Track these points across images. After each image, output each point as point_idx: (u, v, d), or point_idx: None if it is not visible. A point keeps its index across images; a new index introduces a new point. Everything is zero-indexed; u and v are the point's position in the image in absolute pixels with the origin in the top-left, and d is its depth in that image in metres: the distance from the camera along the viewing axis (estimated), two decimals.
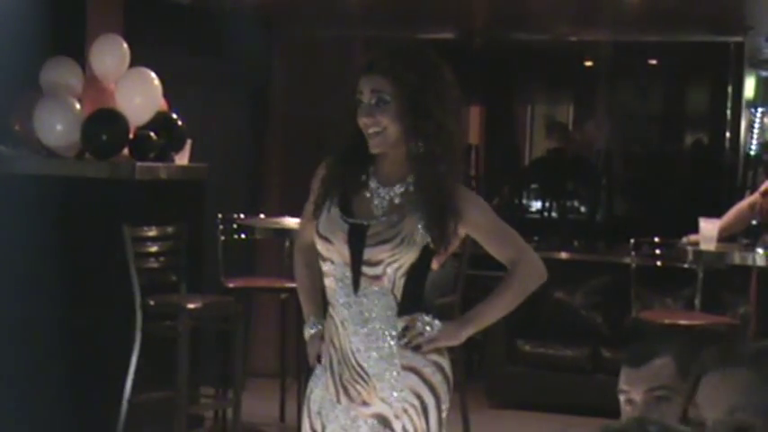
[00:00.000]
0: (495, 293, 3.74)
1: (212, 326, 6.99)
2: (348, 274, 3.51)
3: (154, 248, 6.42)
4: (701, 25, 9.75)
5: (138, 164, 6.62)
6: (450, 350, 6.95)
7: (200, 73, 8.26)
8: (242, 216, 7.45)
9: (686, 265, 7.32)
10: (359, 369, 3.52)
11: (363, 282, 3.50)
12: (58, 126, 6.65)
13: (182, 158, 7.09)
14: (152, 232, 6.41)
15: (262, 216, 7.70)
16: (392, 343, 3.50)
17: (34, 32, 6.37)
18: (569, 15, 9.32)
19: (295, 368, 7.19)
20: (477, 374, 8.17)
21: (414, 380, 3.54)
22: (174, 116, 7.06)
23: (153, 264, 6.40)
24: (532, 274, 3.67)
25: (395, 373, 3.52)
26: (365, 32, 10.19)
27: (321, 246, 3.54)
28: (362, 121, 3.50)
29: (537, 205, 12.62)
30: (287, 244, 7.20)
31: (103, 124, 6.63)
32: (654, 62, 12.17)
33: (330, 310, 3.57)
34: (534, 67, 12.30)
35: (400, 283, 3.50)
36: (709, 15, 9.05)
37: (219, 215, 7.30)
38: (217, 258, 7.15)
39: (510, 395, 8.38)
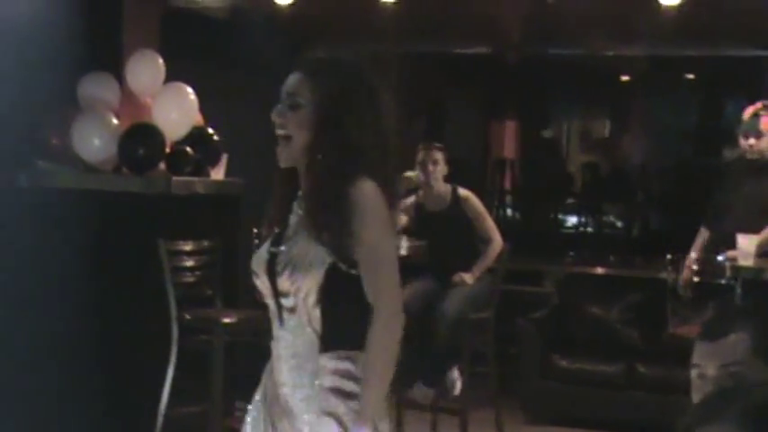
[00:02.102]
0: (366, 367, 3.13)
1: (247, 340, 6.99)
2: (273, 306, 3.22)
3: (189, 263, 6.43)
4: (737, 39, 9.72)
5: (174, 178, 6.65)
6: (484, 363, 6.76)
7: (235, 88, 8.30)
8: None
9: (723, 281, 7.28)
10: (285, 405, 3.21)
11: (285, 315, 3.18)
12: (95, 141, 6.70)
13: (217, 173, 7.12)
14: (188, 246, 6.43)
15: None
16: (314, 383, 3.14)
17: (72, 48, 6.42)
18: (605, 30, 9.30)
19: None
20: (511, 389, 8.15)
21: (332, 428, 3.12)
22: (210, 131, 7.10)
23: (189, 278, 6.42)
24: (386, 332, 3.13)
25: (314, 416, 3.15)
26: (399, 48, 10.21)
27: (254, 281, 3.28)
28: (273, 120, 3.24)
29: (573, 220, 12.60)
30: None
31: (140, 139, 6.67)
32: (690, 76, 12.14)
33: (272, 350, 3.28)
34: (570, 81, 12.29)
35: (315, 314, 3.12)
36: (745, 29, 9.02)
37: (255, 229, 7.30)
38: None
39: (544, 410, 8.34)
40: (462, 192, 7.63)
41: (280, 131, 3.20)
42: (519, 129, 12.73)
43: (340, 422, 3.12)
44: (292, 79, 3.24)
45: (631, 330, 8.57)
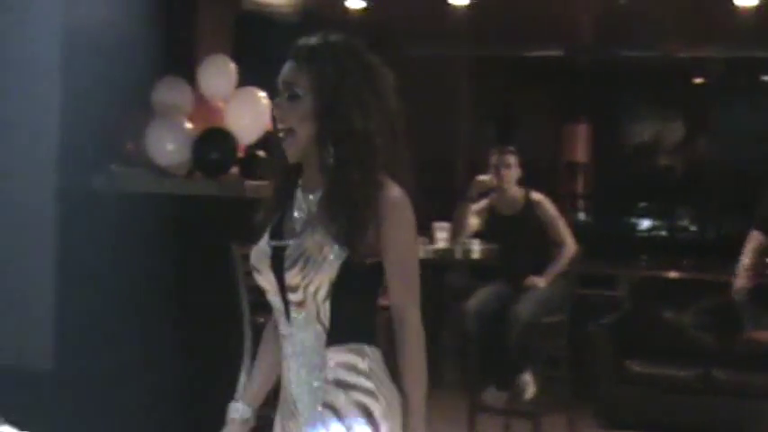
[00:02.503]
0: (403, 378, 3.05)
1: None
2: (280, 303, 3.08)
3: None
4: None
5: (247, 182, 6.68)
6: (557, 367, 6.68)
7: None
8: None
9: None
10: (292, 405, 3.08)
11: (293, 310, 3.05)
12: (168, 145, 6.74)
13: None
14: None
15: None
16: (320, 376, 3.02)
17: (146, 53, 6.47)
18: (679, 31, 9.22)
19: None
20: (584, 394, 8.09)
21: (332, 422, 3.02)
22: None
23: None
24: (420, 345, 3.05)
25: (318, 411, 3.03)
26: (472, 50, 10.20)
27: (255, 277, 3.13)
28: (274, 116, 3.09)
29: (646, 223, 12.50)
30: None
31: (213, 143, 6.70)
32: (766, 78, 11.99)
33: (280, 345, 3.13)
34: (643, 84, 12.19)
35: (325, 308, 3.01)
36: None
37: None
38: None
39: (618, 415, 8.28)
40: (535, 195, 7.60)
41: (281, 126, 3.03)
42: (591, 132, 12.64)
43: (338, 414, 3.01)
44: (287, 69, 3.06)
45: (707, 335, 8.47)
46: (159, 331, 6.47)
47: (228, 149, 6.71)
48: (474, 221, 7.54)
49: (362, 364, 3.03)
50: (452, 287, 8.87)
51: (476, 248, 7.12)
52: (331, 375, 3.01)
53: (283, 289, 3.03)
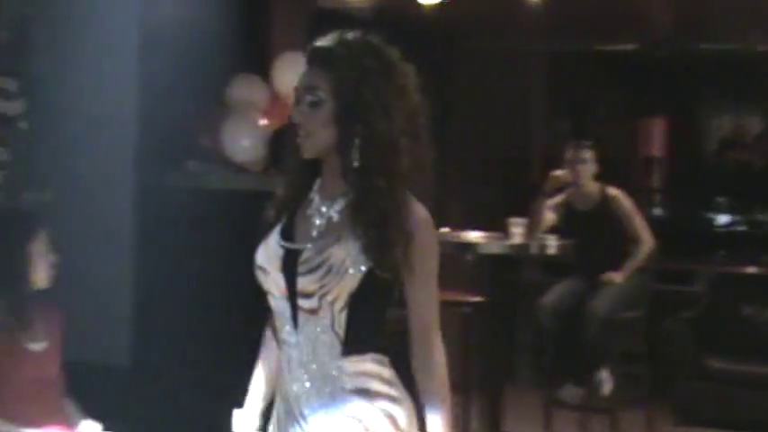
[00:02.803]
0: (427, 397, 2.94)
1: (396, 339, 6.99)
2: (287, 307, 2.96)
3: None
4: None
5: None
6: (635, 363, 6.62)
7: None
8: None
9: None
10: (299, 417, 2.96)
11: (301, 316, 2.94)
12: (244, 141, 6.78)
13: None
14: None
15: (444, 229, 7.71)
16: (335, 385, 2.91)
17: (221, 50, 6.51)
18: (758, 24, 9.10)
19: (479, 383, 7.16)
20: (663, 391, 8.02)
21: (356, 430, 2.92)
22: None
23: None
24: (440, 361, 2.97)
25: (336, 423, 2.92)
26: (546, 45, 10.15)
27: (259, 276, 3.02)
28: (293, 122, 2.97)
29: (724, 219, 12.36)
30: (468, 258, 7.18)
31: (288, 139, 6.72)
32: None
33: (279, 351, 3.04)
34: (721, 77, 12.07)
35: (341, 318, 2.89)
36: None
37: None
38: None
39: (696, 412, 8.20)
40: (611, 190, 7.55)
41: (301, 133, 2.93)
42: (668, 126, 12.53)
43: (363, 423, 2.92)
44: (305, 74, 2.97)
45: None
46: (236, 328, 6.50)
47: None
48: (550, 217, 7.51)
49: (386, 373, 2.95)
50: (528, 283, 8.84)
51: (552, 244, 7.09)
52: (350, 385, 2.91)
53: (293, 294, 2.93)
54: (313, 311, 2.89)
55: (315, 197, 3.01)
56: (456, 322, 7.73)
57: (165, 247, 6.40)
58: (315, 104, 2.92)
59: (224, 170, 6.87)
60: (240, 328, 6.50)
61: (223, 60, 6.60)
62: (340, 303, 2.87)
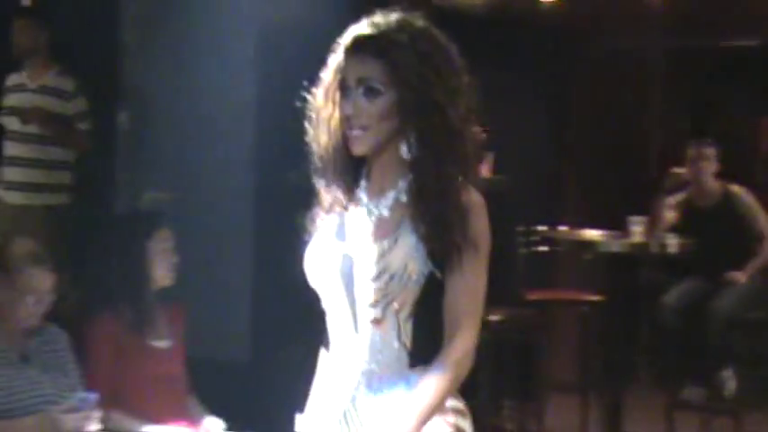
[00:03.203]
0: (420, 391, 2.68)
1: (513, 338, 6.98)
2: (347, 316, 2.75)
3: None
4: None
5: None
6: (760, 365, 6.49)
7: (501, 86, 8.29)
8: (542, 228, 7.44)
9: None
10: (360, 429, 2.76)
11: (363, 326, 2.73)
12: None
13: (483, 171, 7.13)
14: None
15: (563, 227, 7.67)
16: (402, 397, 2.69)
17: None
18: None
19: (598, 382, 7.11)
20: None
21: None
22: (475, 129, 7.11)
23: None
24: (460, 367, 2.72)
25: None
26: (667, 42, 10.02)
27: (313, 281, 2.79)
28: (345, 115, 2.71)
29: None
30: (587, 256, 7.14)
31: None
32: None
33: (333, 358, 2.83)
34: None
35: (407, 327, 2.70)
36: None
37: (520, 227, 7.30)
38: (517, 270, 7.15)
39: None
40: (734, 188, 7.44)
41: (357, 128, 2.69)
42: None
43: None
44: (357, 63, 2.70)
45: None
46: None
47: None
48: (670, 215, 7.43)
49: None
50: (648, 282, 8.74)
51: (672, 243, 7.01)
52: None
53: (353, 300, 2.72)
54: (377, 321, 2.70)
55: (362, 195, 2.79)
56: (574, 322, 7.69)
57: (283, 246, 6.46)
58: (371, 95, 2.68)
59: None
60: None
61: None
62: (405, 313, 2.69)
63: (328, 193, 2.82)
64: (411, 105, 2.67)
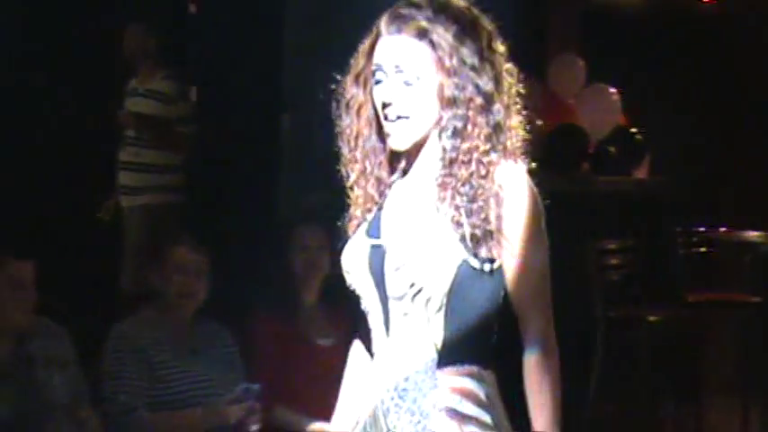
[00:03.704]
0: (537, 413, 2.54)
1: (672, 339, 6.94)
2: (379, 312, 2.56)
3: (615, 261, 6.46)
4: None
5: (598, 177, 6.71)
6: None
7: (659, 85, 8.26)
8: (702, 229, 7.38)
9: None
10: None
11: (394, 321, 2.53)
12: None
13: (640, 172, 7.13)
14: (613, 245, 6.46)
15: (722, 228, 7.60)
16: (428, 402, 2.49)
17: None
18: None
19: (759, 386, 7.01)
20: None
21: None
22: (633, 130, 7.11)
23: (613, 276, 6.44)
24: (554, 366, 2.56)
25: None
26: None
27: (348, 279, 2.60)
28: (382, 104, 2.50)
29: None
30: (747, 257, 7.07)
31: (565, 139, 6.77)
32: None
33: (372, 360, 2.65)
34: None
35: (437, 321, 2.48)
36: None
37: (679, 228, 7.25)
38: (676, 272, 7.10)
39: None
40: None
41: (394, 113, 2.48)
42: None
43: None
44: (396, 47, 2.47)
45: None
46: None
47: (580, 145, 6.77)
48: None
49: (481, 392, 2.52)
50: None
51: None
52: (442, 403, 2.49)
53: (384, 296, 2.53)
54: (406, 315, 2.50)
55: (397, 186, 2.61)
56: (734, 324, 7.60)
57: None
58: (411, 82, 2.46)
59: None
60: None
61: None
62: (435, 304, 2.46)
63: (360, 189, 2.61)
64: (451, 92, 2.45)
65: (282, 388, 4.63)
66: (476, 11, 2.50)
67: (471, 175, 2.44)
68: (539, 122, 6.91)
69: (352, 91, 2.58)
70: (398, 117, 2.48)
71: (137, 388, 4.45)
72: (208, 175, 6.91)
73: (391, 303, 2.51)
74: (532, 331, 2.53)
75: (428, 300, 2.46)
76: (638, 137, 7.11)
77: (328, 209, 6.01)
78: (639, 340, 6.27)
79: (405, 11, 2.47)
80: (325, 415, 4.65)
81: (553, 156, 6.75)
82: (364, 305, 2.59)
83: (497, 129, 2.47)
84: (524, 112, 2.57)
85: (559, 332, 6.31)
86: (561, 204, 6.75)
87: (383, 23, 2.49)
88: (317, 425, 4.59)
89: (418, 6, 2.47)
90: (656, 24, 8.38)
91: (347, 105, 2.59)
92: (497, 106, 2.48)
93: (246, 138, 6.71)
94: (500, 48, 2.52)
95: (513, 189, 2.46)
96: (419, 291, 2.45)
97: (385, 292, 2.51)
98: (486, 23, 2.51)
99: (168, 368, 4.52)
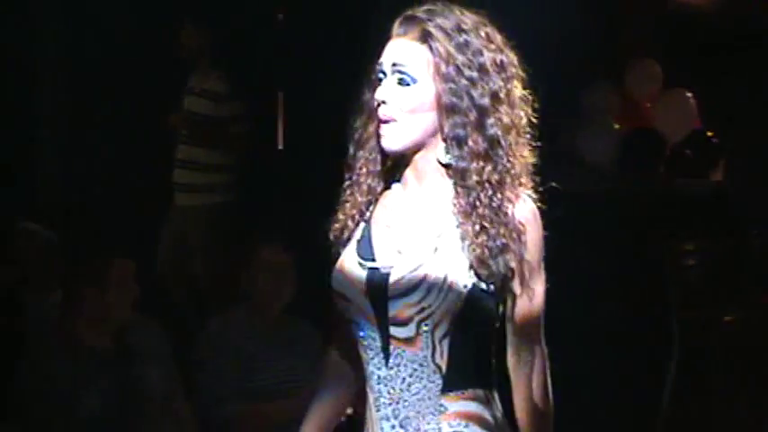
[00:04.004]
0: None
1: (747, 340, 6.93)
2: (376, 338, 2.47)
3: (691, 262, 6.48)
4: None
5: (674, 180, 6.75)
6: None
7: (734, 90, 8.27)
8: None
9: None
10: None
11: (394, 348, 2.46)
12: (599, 145, 6.93)
13: (716, 175, 7.15)
14: (690, 246, 6.49)
15: None
16: (434, 427, 2.45)
17: (577, 55, 6.68)
18: None
19: None
20: None
21: None
22: (709, 134, 7.14)
23: (689, 277, 6.46)
24: (546, 386, 2.55)
25: None
26: None
27: (339, 304, 2.52)
28: (377, 102, 2.47)
29: None
30: None
31: (641, 142, 6.82)
32: None
33: (366, 387, 2.54)
34: None
35: (443, 346, 2.42)
36: None
37: (755, 230, 7.23)
38: (752, 273, 7.05)
39: None
40: None
41: (388, 112, 2.43)
42: None
43: None
44: (398, 46, 2.45)
45: None
46: (600, 329, 6.51)
47: (657, 148, 6.82)
48: None
49: (488, 415, 2.48)
50: None
51: None
52: (447, 428, 2.45)
53: (384, 322, 2.45)
54: (409, 341, 2.43)
55: (398, 203, 2.53)
56: None
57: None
58: (405, 84, 2.43)
59: (580, 172, 7.03)
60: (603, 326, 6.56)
61: (578, 65, 6.76)
62: (442, 330, 2.41)
63: (350, 194, 2.57)
64: (449, 99, 2.40)
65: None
66: (491, 27, 2.47)
67: (490, 204, 2.40)
68: (616, 126, 7.02)
69: (365, 93, 2.54)
70: (392, 117, 2.43)
71: (227, 382, 4.61)
72: (297, 177, 7.00)
73: (393, 330, 2.43)
74: (536, 361, 2.51)
75: (435, 325, 2.40)
76: (714, 140, 7.15)
77: None
78: (715, 341, 6.29)
79: (416, 15, 2.46)
80: None
81: (630, 159, 6.82)
82: (355, 331, 2.50)
83: (493, 147, 2.41)
84: (534, 143, 2.52)
85: (636, 333, 6.32)
86: (638, 207, 6.84)
87: (395, 25, 2.48)
88: None
89: (431, 12, 2.45)
90: (740, 29, 8.37)
91: (359, 108, 2.55)
92: (493, 123, 2.41)
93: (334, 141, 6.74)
94: (510, 69, 2.46)
95: (529, 226, 2.44)
96: (428, 316, 2.39)
97: (386, 317, 2.44)
98: (499, 42, 2.46)
99: (257, 361, 4.68)
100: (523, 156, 2.48)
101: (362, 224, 2.54)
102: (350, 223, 2.54)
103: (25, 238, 5.81)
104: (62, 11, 7.47)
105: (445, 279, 2.38)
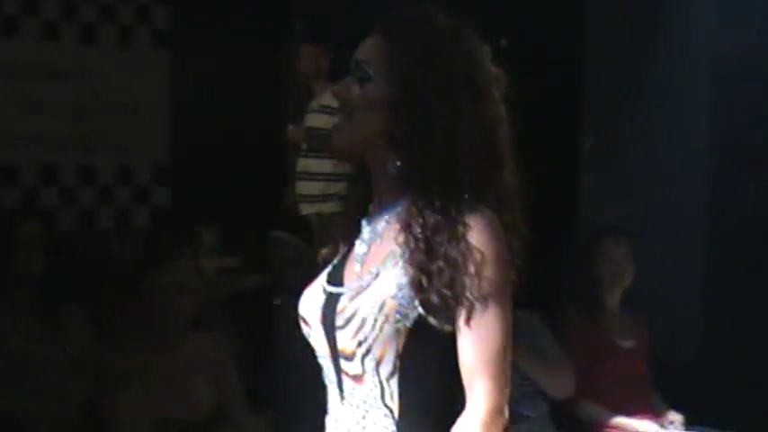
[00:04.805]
0: None
1: None
2: (331, 370, 2.23)
3: None
4: None
5: None
6: None
7: None
8: None
9: None
10: None
11: (347, 383, 2.20)
12: None
13: None
14: None
15: None
16: None
17: None
18: None
19: None
20: None
21: None
22: None
23: None
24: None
25: None
26: None
27: (304, 329, 2.28)
28: (333, 94, 2.37)
29: None
30: None
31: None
32: None
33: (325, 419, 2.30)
34: None
35: (390, 388, 2.14)
36: None
37: None
38: None
39: None
40: None
41: (340, 110, 2.27)
42: None
43: None
44: (365, 44, 2.25)
45: None
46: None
47: None
48: None
49: None
50: None
51: None
52: None
53: (336, 354, 2.20)
54: (358, 378, 2.17)
55: (364, 221, 2.29)
56: None
57: (733, 256, 6.76)
58: (364, 80, 2.22)
59: None
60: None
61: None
62: (387, 368, 2.13)
63: (339, 218, 2.45)
64: (397, 103, 2.17)
65: (589, 384, 4.85)
66: (470, 38, 2.24)
67: (436, 227, 2.11)
68: None
69: None
70: (342, 113, 2.28)
71: None
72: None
73: (342, 363, 2.19)
74: (476, 402, 2.11)
75: (378, 362, 2.13)
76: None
77: (628, 221, 6.51)
78: None
79: (393, 15, 2.29)
80: (628, 411, 4.94)
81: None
82: (318, 360, 2.27)
83: (447, 151, 2.14)
84: (514, 165, 2.23)
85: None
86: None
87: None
88: (619, 419, 4.94)
89: (409, 17, 2.26)
90: None
91: None
92: (447, 133, 2.14)
93: (549, 156, 6.40)
94: (486, 81, 2.21)
95: (486, 251, 2.10)
96: (368, 351, 2.13)
97: (336, 349, 2.19)
98: (478, 54, 2.23)
99: None
100: (495, 175, 2.19)
101: (346, 249, 2.32)
102: (334, 252, 2.36)
103: (278, 245, 6.54)
104: None
105: (381, 309, 2.12)
